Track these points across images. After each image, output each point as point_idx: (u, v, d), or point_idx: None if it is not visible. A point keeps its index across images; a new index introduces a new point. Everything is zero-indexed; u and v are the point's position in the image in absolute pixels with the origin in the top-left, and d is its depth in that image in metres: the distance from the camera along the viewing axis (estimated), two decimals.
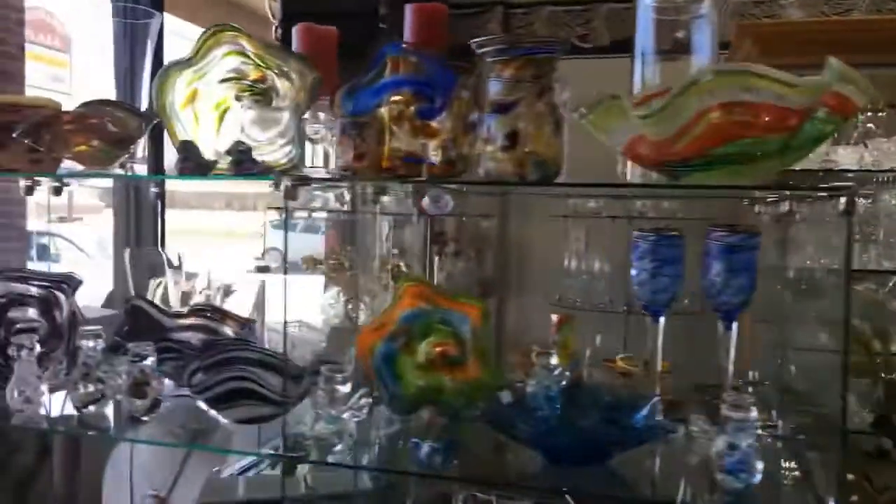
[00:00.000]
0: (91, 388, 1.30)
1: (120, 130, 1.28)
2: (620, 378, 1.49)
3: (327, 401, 1.14)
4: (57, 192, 1.61)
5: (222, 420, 1.32)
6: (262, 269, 2.67)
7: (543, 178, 1.10)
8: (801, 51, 1.41)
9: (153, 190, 2.05)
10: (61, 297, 1.48)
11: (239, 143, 1.24)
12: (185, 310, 1.60)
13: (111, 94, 1.45)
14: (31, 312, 1.49)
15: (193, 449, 1.29)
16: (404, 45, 1.29)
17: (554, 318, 1.56)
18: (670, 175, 1.13)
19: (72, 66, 7.11)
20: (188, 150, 1.23)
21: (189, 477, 1.46)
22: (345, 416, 1.16)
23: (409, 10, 1.43)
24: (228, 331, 1.56)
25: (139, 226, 2.28)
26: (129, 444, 1.52)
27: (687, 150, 1.02)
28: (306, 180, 1.17)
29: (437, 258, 3.30)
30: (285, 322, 1.32)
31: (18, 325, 1.48)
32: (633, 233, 1.27)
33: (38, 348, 1.32)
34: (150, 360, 1.27)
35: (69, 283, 1.48)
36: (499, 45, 1.09)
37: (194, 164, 1.22)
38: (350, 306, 2.61)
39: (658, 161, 1.10)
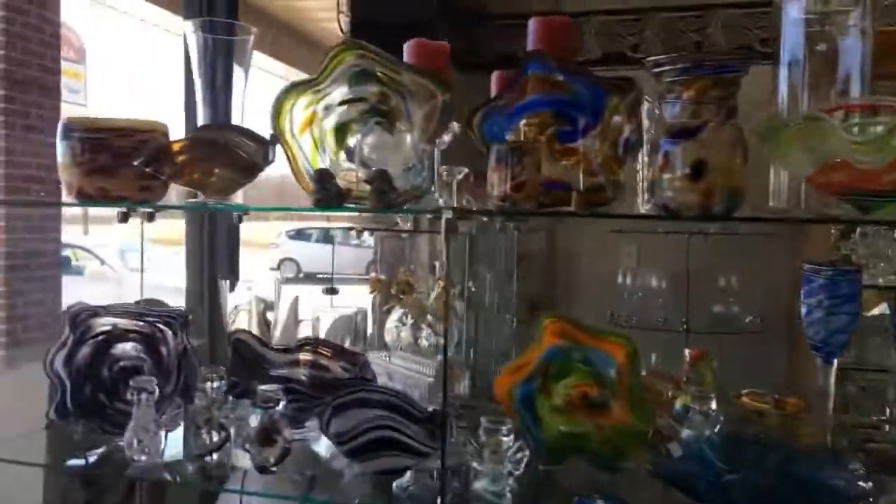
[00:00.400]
0: (214, 434, 1.21)
1: (245, 157, 1.19)
2: (755, 417, 1.38)
3: (490, 456, 1.04)
4: (150, 218, 1.54)
5: (344, 467, 1.23)
6: (330, 291, 2.59)
7: (729, 210, 1.00)
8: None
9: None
10: (168, 332, 1.40)
11: (382, 171, 1.15)
12: (292, 345, 1.51)
13: (128, 107, 1.35)
14: (136, 349, 1.41)
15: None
16: (548, 62, 1.20)
17: (688, 353, 1.45)
18: (858, 206, 1.03)
19: (87, 77, 7.10)
20: (324, 180, 1.14)
21: None
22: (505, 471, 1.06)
23: (533, 23, 1.33)
24: (338, 367, 1.47)
25: (213, 253, 2.20)
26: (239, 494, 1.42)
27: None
28: (468, 213, 1.07)
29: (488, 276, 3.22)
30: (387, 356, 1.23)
31: (122, 363, 1.40)
32: (805, 266, 1.17)
33: (157, 393, 1.23)
34: (281, 406, 1.18)
35: (177, 318, 1.39)
36: (682, 63, 0.99)
37: (333, 194, 1.13)
38: (424, 331, 2.52)
39: (852, 190, 1.00)
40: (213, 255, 2.17)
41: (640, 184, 1.19)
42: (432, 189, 1.29)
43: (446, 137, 1.29)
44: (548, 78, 1.22)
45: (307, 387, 1.39)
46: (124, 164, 1.30)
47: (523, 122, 1.25)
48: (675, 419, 1.30)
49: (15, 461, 1.28)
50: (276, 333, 1.77)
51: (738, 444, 1.18)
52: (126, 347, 1.41)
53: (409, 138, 1.33)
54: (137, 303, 1.43)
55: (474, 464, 1.06)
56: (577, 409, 1.27)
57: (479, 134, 1.23)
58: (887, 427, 1.62)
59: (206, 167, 1.19)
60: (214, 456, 1.23)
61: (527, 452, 1.07)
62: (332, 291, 2.50)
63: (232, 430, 1.24)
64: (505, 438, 1.04)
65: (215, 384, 1.22)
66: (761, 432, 1.36)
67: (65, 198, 1.34)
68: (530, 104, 1.24)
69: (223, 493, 1.31)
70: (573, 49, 1.30)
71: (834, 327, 1.13)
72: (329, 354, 1.48)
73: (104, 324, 1.40)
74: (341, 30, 2.61)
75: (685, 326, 3.36)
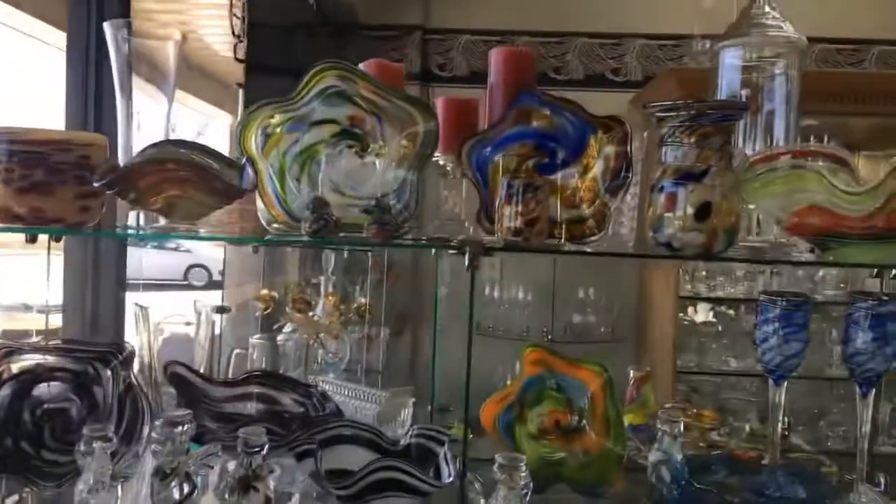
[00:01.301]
0: (183, 487, 1.10)
1: (224, 181, 1.09)
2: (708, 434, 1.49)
3: (508, 493, 1.03)
4: (58, 238, 1.37)
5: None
6: (221, 310, 2.42)
7: (725, 248, 1.08)
8: None
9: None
10: (103, 370, 1.24)
11: (381, 199, 1.10)
12: (238, 377, 1.41)
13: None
14: (62, 388, 1.24)
15: None
16: (540, 97, 1.21)
17: (632, 374, 1.53)
18: (821, 246, 1.15)
19: None
20: (320, 208, 1.07)
21: None
22: None
23: (495, 54, 1.34)
24: (290, 400, 1.39)
25: (97, 271, 1.98)
26: None
27: (882, 223, 1.03)
28: (490, 250, 1.06)
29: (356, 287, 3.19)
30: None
31: (47, 405, 1.23)
32: (761, 296, 1.27)
33: (114, 441, 1.09)
34: (265, 451, 1.09)
35: (115, 354, 1.24)
36: (686, 111, 1.05)
37: (331, 224, 1.07)
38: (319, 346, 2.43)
39: (826, 233, 1.11)
40: (98, 260, 1.96)
41: (626, 219, 1.24)
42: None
43: None
44: (535, 111, 1.24)
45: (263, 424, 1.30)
46: (62, 182, 1.15)
47: (503, 153, 1.26)
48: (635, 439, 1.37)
49: None
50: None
51: (706, 466, 1.26)
52: (50, 387, 1.23)
53: (379, 164, 1.29)
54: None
55: (490, 501, 1.04)
56: (551, 436, 1.30)
57: (467, 163, 1.22)
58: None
59: (181, 189, 1.07)
60: None
61: (531, 485, 1.07)
62: (223, 310, 2.35)
63: (198, 480, 1.13)
64: (523, 474, 1.03)
65: (185, 427, 1.10)
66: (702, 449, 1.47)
67: None
68: (515, 135, 1.25)
69: None
70: (533, 78, 1.32)
71: (789, 353, 1.24)
72: (279, 387, 1.39)
73: (25, 361, 1.22)
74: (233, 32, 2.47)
75: (549, 336, 3.54)
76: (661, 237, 1.08)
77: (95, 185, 1.05)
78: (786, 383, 1.28)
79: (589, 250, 1.19)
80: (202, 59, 4.10)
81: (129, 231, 1.22)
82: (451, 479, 1.11)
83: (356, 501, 1.09)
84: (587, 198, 1.24)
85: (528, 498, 1.07)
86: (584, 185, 1.24)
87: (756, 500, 1.16)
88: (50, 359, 1.23)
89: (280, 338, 1.95)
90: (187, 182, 1.07)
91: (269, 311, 2.53)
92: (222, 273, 3.50)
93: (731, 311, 3.47)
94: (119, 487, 1.11)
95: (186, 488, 1.10)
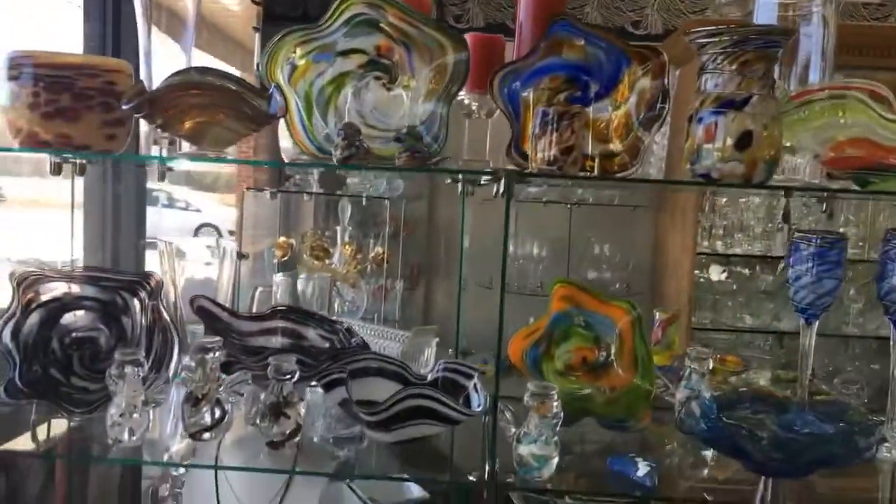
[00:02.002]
0: (216, 412, 1.10)
1: (255, 106, 1.07)
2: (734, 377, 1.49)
3: (540, 420, 1.03)
4: (82, 171, 1.36)
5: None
6: (240, 256, 2.42)
7: (765, 179, 1.05)
8: None
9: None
10: (131, 300, 1.24)
11: (412, 127, 1.08)
12: (264, 312, 1.40)
13: None
14: (89, 318, 1.24)
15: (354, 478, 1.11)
16: (574, 25, 1.18)
17: (658, 315, 1.52)
18: (860, 181, 1.13)
19: None
20: (352, 136, 1.05)
21: (293, 502, 1.28)
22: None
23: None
24: (316, 335, 1.39)
25: (118, 213, 1.96)
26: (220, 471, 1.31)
27: None
28: (525, 176, 1.04)
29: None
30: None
31: (75, 334, 1.23)
32: (795, 234, 1.25)
33: (145, 367, 1.09)
34: (296, 377, 1.09)
35: (143, 283, 1.24)
36: (730, 37, 1.02)
37: (363, 151, 1.05)
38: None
39: (866, 166, 1.09)
40: (118, 217, 1.95)
41: (654, 158, 1.22)
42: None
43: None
44: (568, 41, 1.20)
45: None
46: (88, 108, 1.13)
47: (534, 87, 1.23)
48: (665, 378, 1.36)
49: None
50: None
51: (739, 404, 1.25)
52: (78, 316, 1.23)
53: (407, 96, 1.26)
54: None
55: (521, 429, 1.04)
56: (578, 373, 1.30)
57: (498, 94, 1.20)
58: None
59: (211, 115, 1.05)
60: (206, 436, 1.11)
61: (561, 415, 1.07)
62: (241, 256, 2.35)
63: (228, 407, 1.13)
64: (555, 403, 1.03)
65: (215, 354, 1.10)
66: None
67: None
68: (547, 67, 1.22)
69: (219, 470, 1.20)
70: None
71: (821, 291, 1.23)
72: (304, 322, 1.39)
73: (53, 290, 1.21)
74: None
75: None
76: (700, 168, 1.06)
77: (123, 107, 1.04)
78: (816, 323, 1.27)
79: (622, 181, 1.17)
80: (214, 14, 4.05)
81: (152, 154, 1.21)
82: (481, 408, 1.11)
83: (386, 428, 1.09)
84: (619, 132, 1.22)
85: (558, 428, 1.07)
86: (617, 119, 1.21)
87: (785, 435, 1.15)
88: (77, 288, 1.22)
89: (300, 282, 1.94)
90: (216, 107, 1.05)
91: (286, 258, 2.53)
92: (231, 232, 3.49)
93: (747, 270, 3.45)
94: (151, 413, 1.11)
95: (217, 414, 1.10)
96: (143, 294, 1.23)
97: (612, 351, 1.28)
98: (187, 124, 1.08)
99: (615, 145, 1.21)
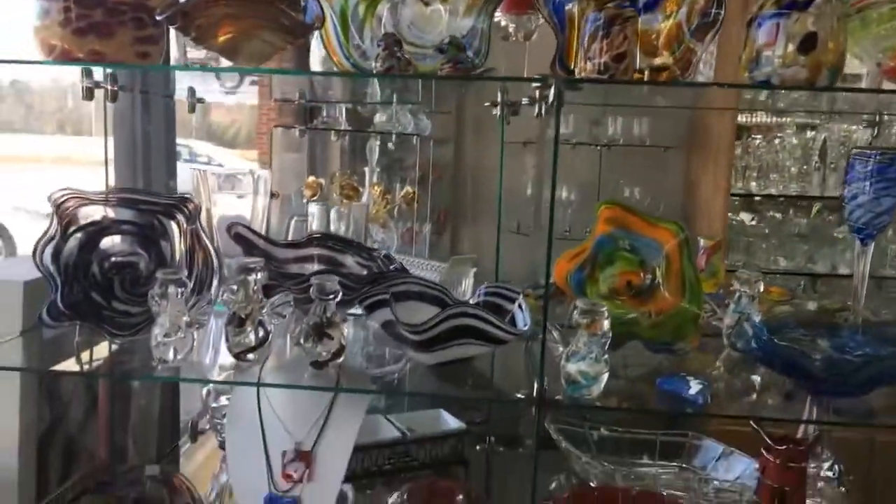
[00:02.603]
0: (259, 333, 1.09)
1: (293, 17, 1.03)
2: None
3: (590, 338, 1.00)
4: (114, 98, 1.34)
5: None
6: (270, 195, 2.40)
7: (829, 84, 1.00)
8: None
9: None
10: (169, 224, 1.23)
11: (454, 38, 1.04)
12: (301, 239, 1.39)
13: None
14: (128, 242, 1.23)
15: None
16: None
17: (702, 242, 1.48)
18: None
19: None
20: (393, 46, 1.02)
21: (336, 424, 1.27)
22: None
23: None
24: (353, 262, 1.37)
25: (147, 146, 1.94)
26: (262, 392, 1.31)
27: None
28: (574, 82, 1.00)
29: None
30: None
31: (115, 259, 1.22)
32: (853, 151, 1.20)
33: (188, 286, 1.08)
34: (339, 297, 1.07)
35: (180, 207, 1.22)
36: None
37: (404, 61, 1.01)
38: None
39: None
40: (149, 151, 1.92)
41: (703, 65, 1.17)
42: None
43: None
44: None
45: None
46: (120, 24, 1.10)
47: None
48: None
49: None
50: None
51: (789, 327, 1.22)
52: (116, 241, 1.22)
53: (446, 11, 1.22)
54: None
55: (570, 347, 1.02)
56: (623, 297, 1.27)
57: (543, 5, 1.15)
58: None
59: (247, 26, 1.02)
60: (250, 356, 1.10)
61: (610, 334, 1.05)
62: (272, 196, 2.33)
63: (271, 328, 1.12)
64: (606, 320, 1.01)
65: (257, 274, 1.08)
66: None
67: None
68: None
69: (259, 387, 1.20)
70: None
71: (879, 210, 1.18)
72: (342, 249, 1.37)
73: (91, 215, 1.20)
74: None
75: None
76: (759, 75, 1.01)
77: (158, 17, 1.00)
78: (872, 246, 1.23)
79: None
80: None
81: (180, 64, 1.18)
82: (527, 327, 1.09)
83: (430, 348, 1.07)
84: (669, 44, 1.17)
85: (607, 346, 1.04)
86: (667, 30, 1.16)
87: (838, 357, 1.12)
88: (112, 213, 1.21)
89: (333, 213, 1.92)
90: (251, 18, 1.01)
91: (316, 197, 2.51)
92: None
93: (779, 215, 3.38)
94: (194, 334, 1.10)
95: (261, 334, 1.09)
96: (180, 218, 1.21)
97: (659, 274, 1.25)
98: (221, 38, 1.04)
99: (664, 58, 1.17)
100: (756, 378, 1.21)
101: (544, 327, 0.98)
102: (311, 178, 2.52)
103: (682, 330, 1.20)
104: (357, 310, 1.23)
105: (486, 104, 1.29)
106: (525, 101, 1.15)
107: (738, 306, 1.19)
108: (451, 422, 1.73)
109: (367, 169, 2.77)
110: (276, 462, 1.26)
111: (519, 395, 0.96)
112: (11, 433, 1.27)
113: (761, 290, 1.21)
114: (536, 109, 1.14)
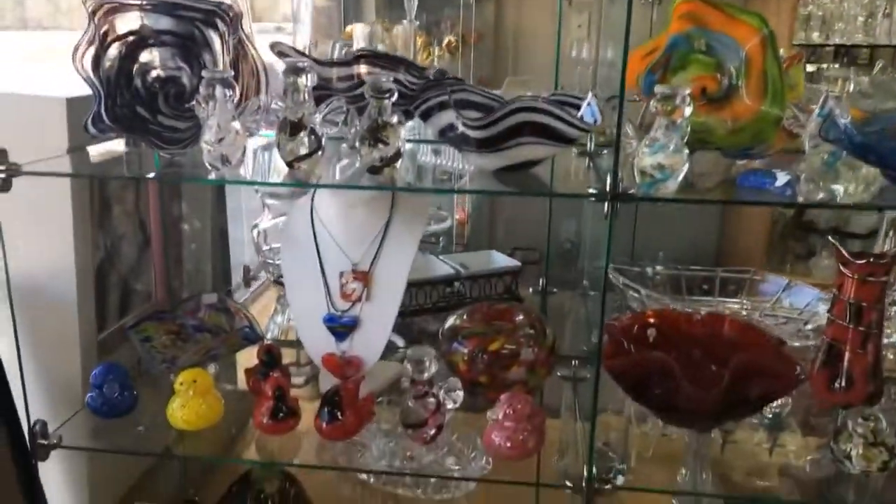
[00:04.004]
0: (311, 140, 1.03)
1: None
2: None
3: (668, 127, 0.93)
4: None
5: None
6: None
7: None
8: None
9: None
10: (210, 33, 1.15)
11: None
12: (347, 58, 1.31)
13: None
14: (169, 54, 1.16)
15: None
16: None
17: (782, 52, 1.36)
18: None
19: None
20: None
21: (392, 245, 1.24)
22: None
23: None
24: (402, 77, 1.29)
25: None
26: (315, 215, 1.27)
27: None
28: None
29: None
30: None
31: (156, 72, 1.16)
32: None
33: (236, 91, 1.02)
34: (395, 97, 1.00)
35: (220, 13, 1.14)
36: None
37: None
38: None
39: None
40: None
41: None
42: None
43: None
44: None
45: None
46: None
47: None
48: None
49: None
50: None
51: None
52: (156, 53, 1.16)
53: None
54: None
55: (644, 140, 0.95)
56: (697, 104, 1.18)
57: None
58: None
59: None
60: (303, 165, 1.05)
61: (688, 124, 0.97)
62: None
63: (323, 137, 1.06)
64: (688, 108, 0.93)
65: (307, 80, 1.01)
66: None
67: None
68: None
69: (313, 207, 1.16)
70: None
71: None
72: (392, 66, 1.29)
73: (128, 22, 1.13)
74: None
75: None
76: None
77: None
78: None
79: None
80: None
81: None
82: (598, 123, 1.02)
83: (494, 146, 1.01)
84: None
85: (686, 137, 0.97)
86: None
87: None
88: (150, 23, 1.14)
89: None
90: None
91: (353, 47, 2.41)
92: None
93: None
94: (247, 141, 1.05)
95: (314, 143, 1.04)
96: (222, 27, 1.14)
97: (738, 76, 1.15)
98: None
99: None
100: (838, 189, 1.13)
101: (620, 116, 0.90)
102: (349, 28, 2.41)
103: (763, 134, 1.12)
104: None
105: None
106: None
107: (824, 108, 1.09)
108: (503, 260, 1.69)
109: (404, 21, 2.64)
110: (335, 283, 1.24)
111: (591, 190, 0.90)
112: (69, 269, 1.26)
113: (851, 88, 1.11)
114: None
